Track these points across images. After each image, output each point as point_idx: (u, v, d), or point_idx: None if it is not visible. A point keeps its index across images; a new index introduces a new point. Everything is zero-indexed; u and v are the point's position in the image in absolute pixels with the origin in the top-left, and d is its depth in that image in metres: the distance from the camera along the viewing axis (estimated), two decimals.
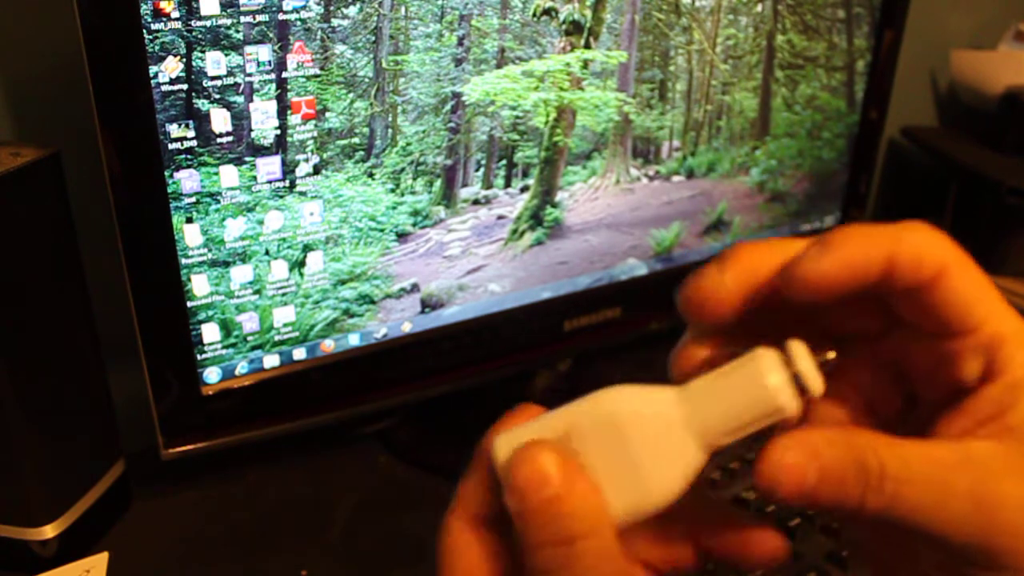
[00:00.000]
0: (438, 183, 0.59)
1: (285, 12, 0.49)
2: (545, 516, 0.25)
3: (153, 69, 0.47)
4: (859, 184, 0.83)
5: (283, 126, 0.52)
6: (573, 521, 0.25)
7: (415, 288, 0.60)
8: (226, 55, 0.49)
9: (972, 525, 0.24)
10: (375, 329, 0.60)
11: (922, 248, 0.26)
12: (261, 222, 0.53)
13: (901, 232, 0.26)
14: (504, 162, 0.61)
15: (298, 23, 0.50)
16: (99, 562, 0.56)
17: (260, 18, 0.49)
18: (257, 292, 0.55)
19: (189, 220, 0.51)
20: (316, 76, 0.52)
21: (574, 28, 0.60)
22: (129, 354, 0.52)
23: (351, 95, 0.53)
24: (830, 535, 0.57)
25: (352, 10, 0.52)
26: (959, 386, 0.27)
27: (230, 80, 0.49)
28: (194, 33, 0.47)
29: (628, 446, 0.26)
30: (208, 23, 0.48)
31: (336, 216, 0.55)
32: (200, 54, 0.48)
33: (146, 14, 0.46)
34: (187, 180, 0.50)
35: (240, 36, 0.49)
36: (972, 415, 0.26)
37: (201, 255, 0.52)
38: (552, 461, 0.26)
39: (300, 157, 0.53)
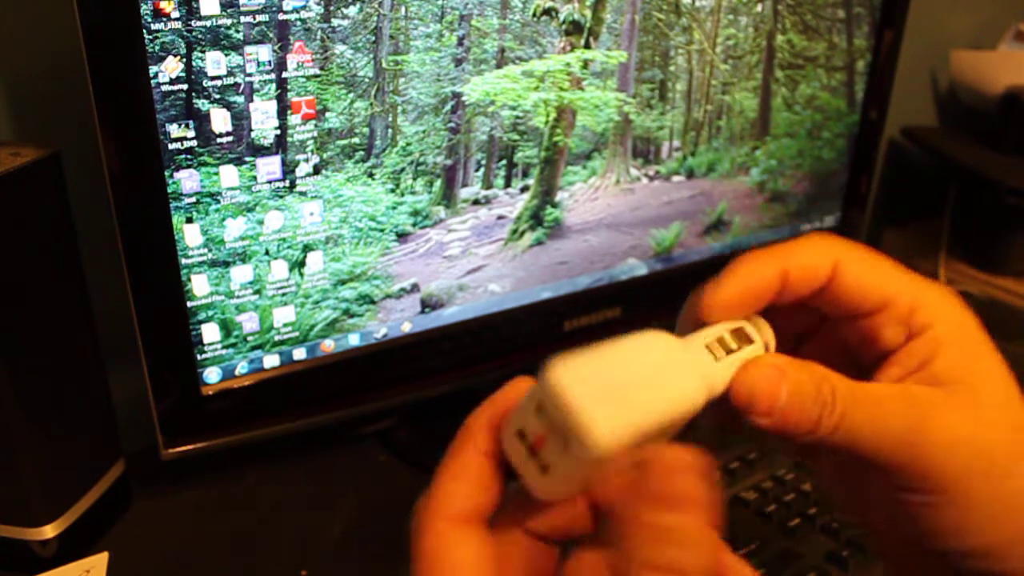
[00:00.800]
0: (438, 183, 0.59)
1: (285, 12, 0.49)
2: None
3: (153, 69, 0.47)
4: (859, 184, 0.83)
5: (283, 126, 0.52)
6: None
7: (415, 288, 0.60)
8: (226, 55, 0.49)
9: (905, 446, 0.28)
10: (375, 329, 0.60)
11: (810, 256, 0.30)
12: (261, 222, 0.53)
13: (791, 248, 0.31)
14: (504, 162, 0.61)
15: (298, 23, 0.50)
16: (99, 562, 0.56)
17: (260, 18, 0.49)
18: (257, 292, 0.55)
19: (189, 220, 0.51)
20: (316, 76, 0.52)
21: (574, 28, 0.60)
22: (129, 354, 0.52)
23: (351, 95, 0.53)
24: (830, 535, 0.57)
25: (352, 10, 0.52)
26: (891, 352, 0.31)
27: (230, 80, 0.49)
28: (194, 33, 0.47)
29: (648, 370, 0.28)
30: (208, 23, 0.48)
31: (336, 216, 0.55)
32: (200, 54, 0.48)
33: (146, 14, 0.46)
34: (187, 180, 0.50)
35: (240, 36, 0.49)
36: (902, 366, 0.30)
37: (201, 255, 0.52)
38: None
39: (300, 157, 0.53)
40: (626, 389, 0.26)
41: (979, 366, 0.30)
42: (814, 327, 0.34)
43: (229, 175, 0.51)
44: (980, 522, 0.29)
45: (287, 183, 0.53)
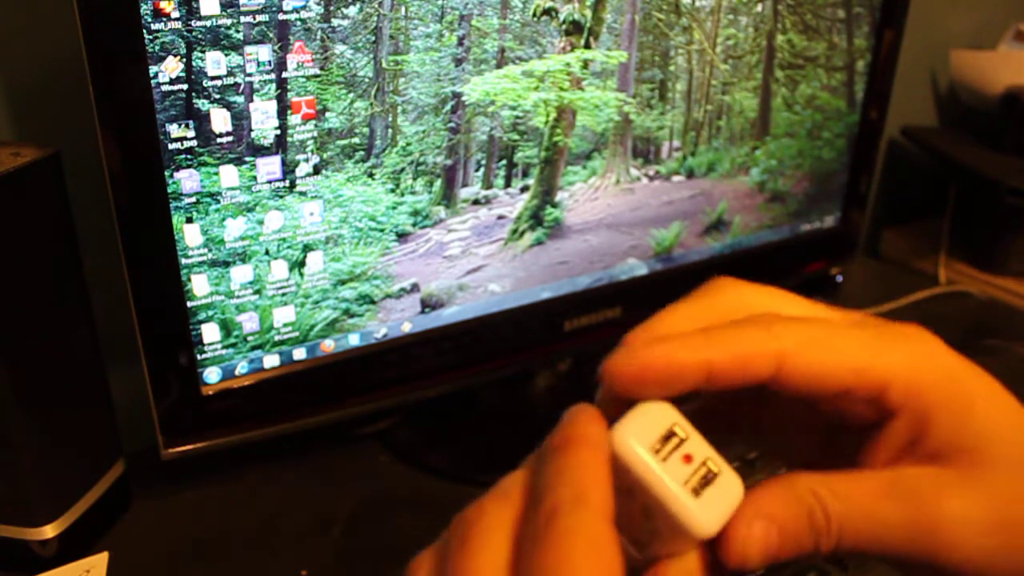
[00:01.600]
0: (438, 183, 0.59)
1: (285, 12, 0.49)
2: None
3: (153, 69, 0.47)
4: (859, 184, 0.83)
5: (283, 126, 0.52)
6: None
7: (415, 288, 0.60)
8: (226, 55, 0.49)
9: (915, 547, 0.26)
10: (375, 329, 0.60)
11: (745, 346, 0.26)
12: (261, 222, 0.53)
13: (722, 335, 0.26)
14: (504, 162, 0.61)
15: (298, 23, 0.50)
16: (99, 562, 0.56)
17: (260, 18, 0.49)
18: (257, 292, 0.55)
19: (189, 220, 0.51)
20: (316, 76, 0.52)
21: (574, 28, 0.60)
22: (129, 354, 0.52)
23: (351, 95, 0.53)
24: None
25: (352, 10, 0.52)
26: (865, 424, 0.28)
27: (230, 80, 0.49)
28: (194, 33, 0.47)
29: None
30: (208, 23, 0.48)
31: (336, 216, 0.55)
32: (200, 54, 0.48)
33: (146, 14, 0.46)
34: (187, 180, 0.50)
35: (240, 36, 0.49)
36: (889, 448, 0.27)
37: (201, 255, 0.52)
38: None
39: (300, 157, 0.53)
40: None
41: (978, 425, 0.26)
42: (766, 401, 0.30)
43: (229, 175, 0.51)
44: None
45: (287, 183, 0.53)
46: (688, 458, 0.26)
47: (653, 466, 0.25)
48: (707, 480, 0.26)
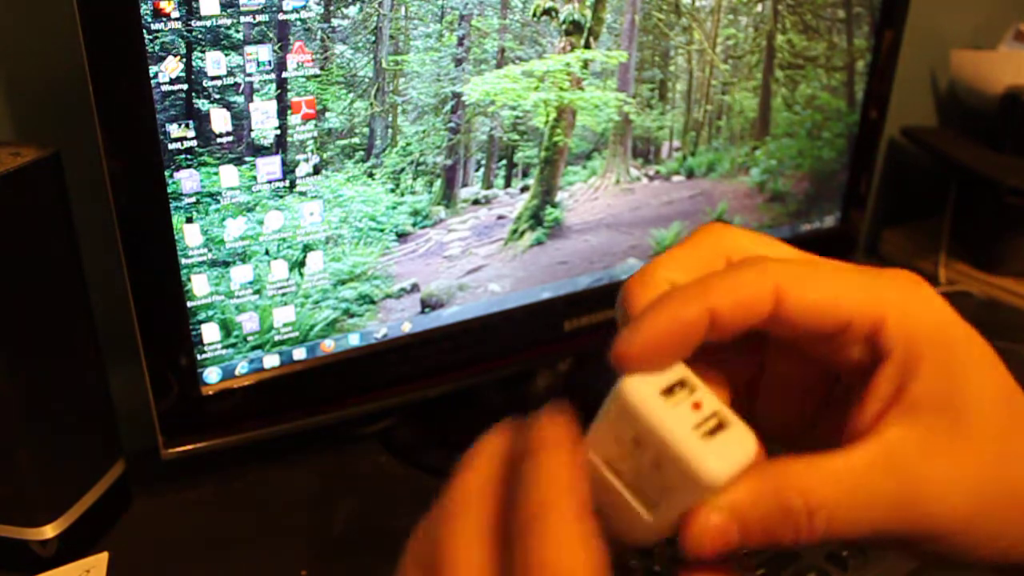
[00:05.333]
0: (438, 183, 0.59)
1: (285, 12, 0.49)
2: None
3: (153, 69, 0.47)
4: (859, 184, 0.83)
5: (283, 126, 0.52)
6: None
7: (415, 288, 0.60)
8: (226, 55, 0.49)
9: (900, 521, 0.26)
10: (375, 329, 0.60)
11: (743, 287, 0.26)
12: (261, 222, 0.53)
13: (718, 280, 0.26)
14: (504, 162, 0.61)
15: (298, 23, 0.50)
16: (99, 562, 0.56)
17: (260, 18, 0.49)
18: (257, 292, 0.55)
19: (189, 220, 0.51)
20: (316, 76, 0.52)
21: (574, 28, 0.60)
22: (129, 354, 0.52)
23: (351, 95, 0.53)
24: None
25: (352, 10, 0.52)
26: (859, 367, 0.28)
27: (230, 80, 0.49)
28: (194, 33, 0.47)
29: None
30: (208, 23, 0.48)
31: (336, 216, 0.55)
32: (200, 54, 0.48)
33: (146, 14, 0.46)
34: (187, 180, 0.50)
35: (240, 36, 0.49)
36: (877, 398, 0.27)
37: (201, 255, 0.52)
38: None
39: (300, 157, 0.53)
40: None
41: (960, 382, 0.26)
42: (762, 364, 0.31)
43: (229, 175, 0.51)
44: (984, 544, 0.27)
45: (287, 183, 0.53)
46: (698, 405, 0.25)
47: (661, 411, 0.25)
48: (718, 428, 0.25)
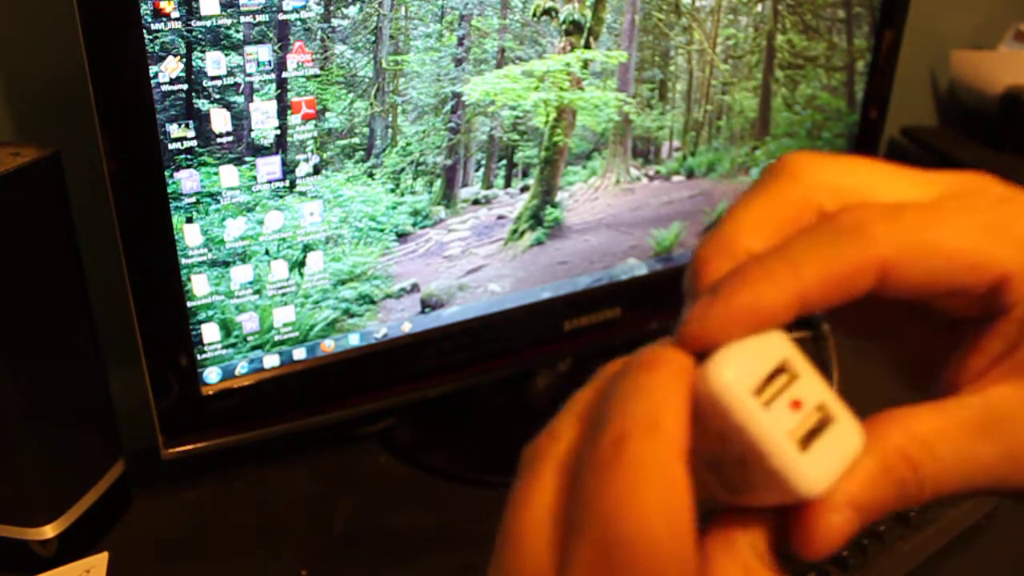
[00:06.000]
0: (438, 183, 0.59)
1: (285, 12, 0.49)
2: None
3: (153, 69, 0.47)
4: None
5: (283, 126, 0.52)
6: None
7: (415, 288, 0.60)
8: (226, 55, 0.49)
9: (1006, 482, 0.24)
10: (375, 329, 0.60)
11: (842, 264, 0.23)
12: (261, 222, 0.53)
13: (814, 252, 0.23)
14: (504, 162, 0.61)
15: (298, 23, 0.50)
16: (99, 562, 0.56)
17: (260, 18, 0.49)
18: (257, 292, 0.55)
19: (189, 220, 0.51)
20: (316, 76, 0.52)
21: (574, 28, 0.60)
22: (129, 354, 0.52)
23: (351, 95, 0.53)
24: None
25: (352, 10, 0.52)
26: (963, 318, 0.26)
27: (230, 80, 0.49)
28: (194, 33, 0.47)
29: None
30: (208, 23, 0.48)
31: (336, 216, 0.55)
32: (200, 54, 0.48)
33: (146, 14, 0.46)
34: (187, 180, 0.50)
35: (240, 36, 0.49)
36: (986, 353, 0.25)
37: (201, 255, 0.52)
38: None
39: (300, 157, 0.53)
40: None
41: None
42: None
43: (229, 175, 0.51)
44: None
45: (287, 183, 0.53)
46: (797, 404, 0.22)
47: (754, 413, 0.22)
48: (818, 429, 0.22)
